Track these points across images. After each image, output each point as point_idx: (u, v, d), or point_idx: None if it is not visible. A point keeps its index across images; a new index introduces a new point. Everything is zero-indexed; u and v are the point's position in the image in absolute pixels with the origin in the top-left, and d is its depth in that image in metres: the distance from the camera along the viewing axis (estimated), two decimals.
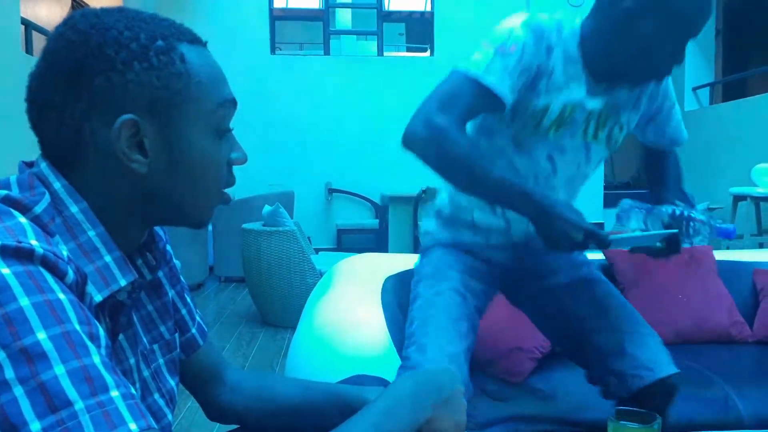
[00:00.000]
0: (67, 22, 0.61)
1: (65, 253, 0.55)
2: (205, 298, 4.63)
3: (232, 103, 0.68)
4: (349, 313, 1.55)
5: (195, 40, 0.66)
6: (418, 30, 7.21)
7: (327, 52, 6.87)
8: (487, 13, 6.83)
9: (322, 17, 6.87)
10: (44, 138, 0.62)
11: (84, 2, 7.63)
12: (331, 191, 6.69)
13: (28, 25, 3.81)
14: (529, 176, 1.24)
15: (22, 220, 0.54)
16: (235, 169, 0.71)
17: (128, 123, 0.59)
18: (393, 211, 6.21)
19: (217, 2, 6.57)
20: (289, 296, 3.65)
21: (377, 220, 6.53)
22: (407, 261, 2.13)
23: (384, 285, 1.78)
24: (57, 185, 0.59)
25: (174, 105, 0.61)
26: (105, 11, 0.62)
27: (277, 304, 3.76)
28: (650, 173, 1.44)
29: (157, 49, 0.60)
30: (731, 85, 7.16)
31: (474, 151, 1.14)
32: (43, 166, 0.61)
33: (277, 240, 3.67)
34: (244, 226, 3.89)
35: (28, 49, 3.79)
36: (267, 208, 3.95)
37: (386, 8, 6.96)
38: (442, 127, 1.11)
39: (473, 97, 1.14)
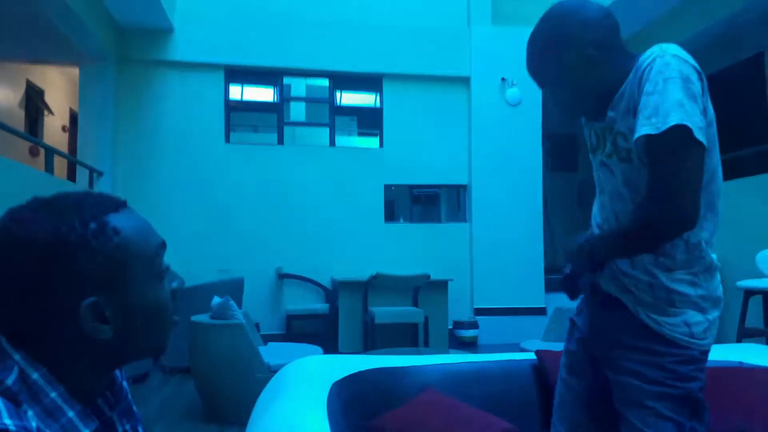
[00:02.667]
0: (3, 230, 0.68)
1: (34, 423, 0.64)
2: (150, 391, 4.52)
3: (163, 245, 0.78)
4: (297, 423, 1.62)
5: (119, 206, 0.75)
6: (369, 120, 7.58)
7: (281, 141, 7.11)
8: (430, 110, 7.30)
9: (276, 109, 7.16)
10: (5, 327, 0.69)
11: (38, 86, 7.70)
12: (282, 276, 6.73)
13: None
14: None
15: None
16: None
17: (90, 305, 0.68)
18: (343, 295, 6.29)
19: (174, 93, 6.78)
20: (236, 391, 3.62)
21: (327, 305, 6.58)
22: (355, 363, 2.24)
23: (330, 391, 1.86)
24: (16, 356, 0.68)
25: (121, 273, 0.71)
26: (33, 209, 0.70)
27: (224, 398, 3.72)
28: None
29: (93, 233, 0.69)
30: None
31: None
32: (3, 341, 0.69)
33: (226, 334, 3.67)
34: (193, 318, 3.88)
35: None
36: (216, 300, 3.97)
37: (338, 103, 7.32)
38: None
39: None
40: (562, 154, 9.46)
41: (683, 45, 1.21)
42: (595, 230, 1.39)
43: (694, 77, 1.13)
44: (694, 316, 1.22)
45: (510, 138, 7.19)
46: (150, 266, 0.75)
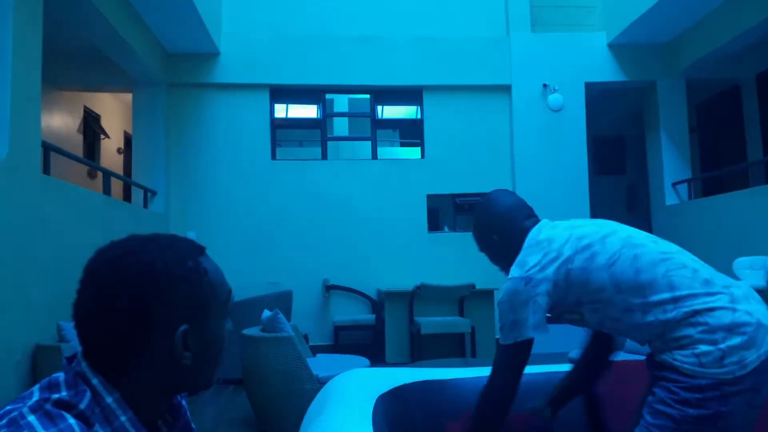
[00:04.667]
0: (113, 264, 0.77)
1: None
2: (204, 402, 4.68)
3: (231, 291, 0.89)
4: None
5: (203, 250, 0.86)
6: (410, 131, 7.65)
7: (324, 157, 7.26)
8: (471, 119, 7.31)
9: (319, 125, 7.32)
10: (93, 347, 0.78)
11: (95, 111, 8.10)
12: (329, 288, 6.85)
13: (48, 147, 4.10)
14: None
15: (71, 421, 0.70)
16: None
17: (183, 332, 0.78)
18: (389, 306, 6.35)
19: (222, 114, 7.03)
20: (287, 403, 3.72)
21: (374, 316, 6.65)
22: (400, 376, 2.29)
23: (375, 405, 1.92)
24: (95, 381, 0.76)
25: (206, 307, 0.82)
26: (141, 246, 0.79)
27: (275, 410, 3.82)
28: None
29: (191, 270, 0.80)
30: (708, 180, 7.50)
31: None
32: (84, 365, 0.77)
33: (276, 346, 3.78)
34: (244, 332, 4.01)
35: (46, 170, 4.06)
36: (266, 313, 4.09)
37: (379, 116, 7.42)
38: None
39: None
40: (609, 157, 9.30)
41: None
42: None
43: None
44: (703, 347, 1.30)
45: (553, 143, 7.13)
46: (223, 305, 0.86)
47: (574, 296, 1.51)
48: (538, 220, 1.72)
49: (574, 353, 4.47)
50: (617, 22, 6.88)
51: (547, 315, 1.53)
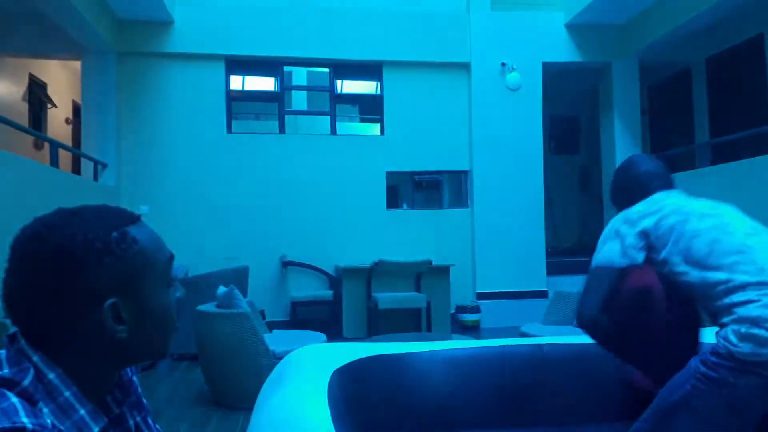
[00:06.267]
0: (31, 240, 0.75)
1: (49, 420, 0.70)
2: (159, 379, 4.63)
3: (172, 257, 0.87)
4: (298, 412, 1.70)
5: (135, 219, 0.83)
6: (370, 107, 7.61)
7: (282, 131, 7.16)
8: (431, 96, 7.32)
9: (277, 98, 7.19)
10: (24, 324, 0.76)
11: (41, 79, 7.75)
12: (286, 264, 6.82)
13: None
14: None
15: (14, 399, 0.69)
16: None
17: (111, 306, 0.76)
18: (347, 282, 6.37)
19: (176, 85, 6.83)
20: (242, 378, 3.72)
21: (331, 292, 6.66)
22: (355, 351, 2.31)
23: (330, 379, 1.93)
24: (35, 358, 0.75)
25: (138, 278, 0.79)
26: (62, 218, 0.78)
27: (231, 385, 3.82)
28: None
29: (116, 241, 0.77)
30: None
31: None
32: (23, 342, 0.76)
33: (231, 322, 3.76)
34: (199, 308, 3.96)
35: None
36: (221, 289, 4.05)
37: (338, 91, 7.34)
38: None
39: None
40: (564, 137, 9.47)
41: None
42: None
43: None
44: (730, 328, 1.51)
45: (511, 123, 7.22)
46: (162, 275, 0.83)
47: (659, 250, 1.70)
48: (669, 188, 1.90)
49: (526, 327, 4.60)
50: (575, 3, 6.96)
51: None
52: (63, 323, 0.76)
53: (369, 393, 2.16)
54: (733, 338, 1.47)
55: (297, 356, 2.25)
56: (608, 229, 1.83)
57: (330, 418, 1.69)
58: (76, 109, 8.45)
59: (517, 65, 7.15)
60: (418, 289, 6.39)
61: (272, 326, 5.13)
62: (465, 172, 7.42)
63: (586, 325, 1.77)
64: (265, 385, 2.13)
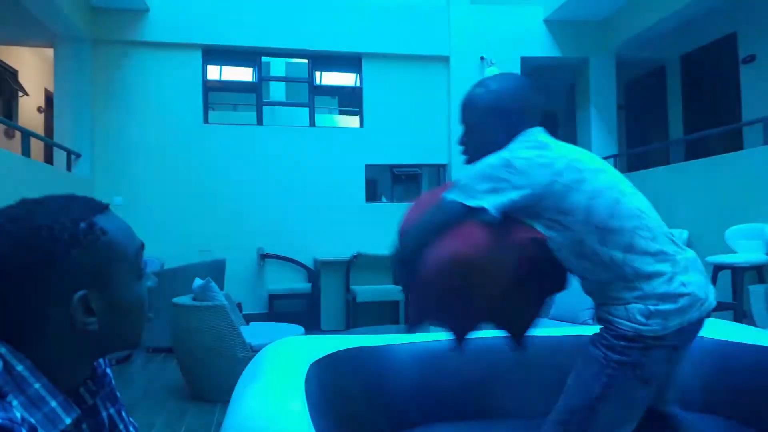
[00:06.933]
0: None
1: (18, 413, 0.69)
2: (134, 372, 4.58)
3: (143, 247, 0.86)
4: (275, 404, 1.69)
5: (103, 208, 0.81)
6: (349, 99, 7.58)
7: (260, 122, 7.09)
8: (410, 89, 7.31)
9: (255, 89, 7.12)
10: None
11: (11, 66, 7.56)
12: (263, 256, 6.78)
13: None
14: None
15: None
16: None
17: (80, 298, 0.75)
18: (325, 275, 6.36)
19: (151, 74, 6.71)
20: (219, 371, 3.69)
21: (309, 285, 6.64)
22: (333, 343, 2.31)
23: (308, 372, 1.93)
24: (2, 350, 0.73)
25: (107, 270, 0.78)
26: (27, 209, 0.76)
27: (207, 378, 3.79)
28: None
29: (83, 232, 0.75)
30: (633, 156, 7.86)
31: None
32: None
33: (207, 315, 3.73)
34: (175, 300, 3.92)
35: None
36: (198, 281, 4.01)
37: (317, 83, 7.30)
38: None
39: None
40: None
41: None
42: None
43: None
44: (634, 306, 1.42)
45: None
46: (132, 265, 0.82)
47: (539, 207, 1.45)
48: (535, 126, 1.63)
49: None
50: None
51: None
52: (31, 316, 0.74)
53: (347, 385, 2.16)
54: (640, 318, 1.40)
55: (274, 349, 2.24)
56: (486, 169, 1.51)
57: (307, 410, 1.68)
58: (49, 98, 8.27)
59: (496, 59, 7.17)
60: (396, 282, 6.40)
61: (249, 319, 5.10)
62: (443, 166, 7.43)
63: (397, 264, 1.58)
64: (241, 378, 2.12)
